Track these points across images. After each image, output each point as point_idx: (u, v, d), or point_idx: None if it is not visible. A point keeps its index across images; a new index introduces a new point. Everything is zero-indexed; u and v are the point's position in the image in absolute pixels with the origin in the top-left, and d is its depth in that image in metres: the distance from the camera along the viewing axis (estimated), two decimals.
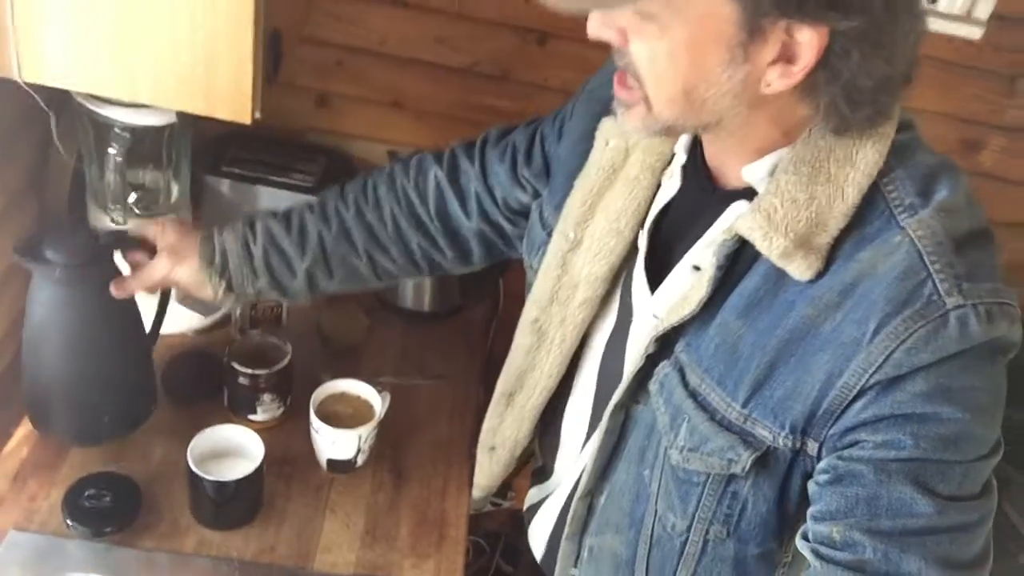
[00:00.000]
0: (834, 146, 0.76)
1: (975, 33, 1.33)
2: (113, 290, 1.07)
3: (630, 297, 0.95)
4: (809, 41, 0.69)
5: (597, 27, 0.73)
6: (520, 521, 1.19)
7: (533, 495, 1.17)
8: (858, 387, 0.73)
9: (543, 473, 1.16)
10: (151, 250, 1.10)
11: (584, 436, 1.05)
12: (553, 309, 1.00)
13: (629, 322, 0.95)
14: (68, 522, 1.09)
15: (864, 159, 0.76)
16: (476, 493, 1.24)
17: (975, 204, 0.78)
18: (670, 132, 0.80)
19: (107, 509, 1.11)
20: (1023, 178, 1.65)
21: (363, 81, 1.56)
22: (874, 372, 0.72)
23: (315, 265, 1.10)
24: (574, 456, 1.07)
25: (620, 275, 0.96)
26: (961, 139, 1.61)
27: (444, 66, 1.54)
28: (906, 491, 0.73)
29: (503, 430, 1.12)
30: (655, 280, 0.91)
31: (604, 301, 0.98)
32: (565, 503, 1.07)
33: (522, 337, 1.05)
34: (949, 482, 0.73)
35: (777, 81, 0.71)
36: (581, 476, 0.99)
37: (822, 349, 0.75)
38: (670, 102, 0.75)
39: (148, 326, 1.20)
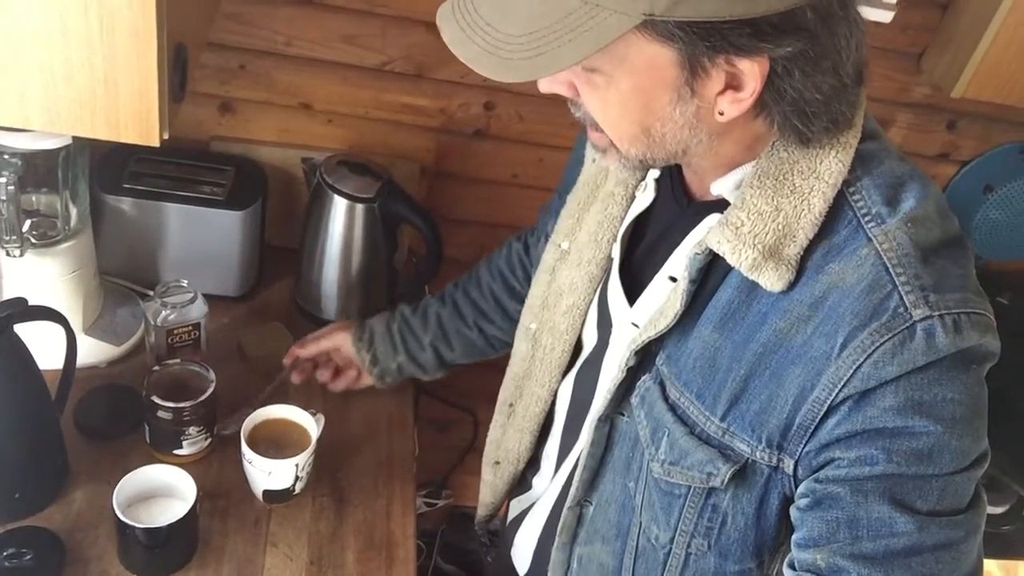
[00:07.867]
0: (797, 158, 0.76)
1: (886, 17, 1.35)
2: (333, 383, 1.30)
3: (608, 308, 0.97)
4: (750, 69, 0.69)
5: (547, 84, 0.74)
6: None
7: (514, 507, 1.19)
8: (829, 402, 0.73)
9: (522, 484, 1.17)
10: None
11: (558, 447, 1.07)
12: (544, 315, 1.05)
13: (609, 333, 0.97)
14: None
15: (828, 170, 0.75)
16: (481, 511, 1.26)
17: (947, 213, 0.77)
18: (645, 166, 0.82)
19: (28, 567, 1.02)
20: (931, 152, 1.69)
21: (269, 85, 1.48)
22: (843, 387, 0.72)
23: (436, 339, 1.27)
24: (551, 467, 1.09)
25: (600, 286, 0.99)
26: None
27: (355, 66, 1.47)
28: (884, 510, 0.72)
29: (506, 442, 1.15)
30: (635, 291, 0.92)
31: (590, 315, 1.00)
32: (551, 513, 1.08)
33: (519, 343, 1.11)
34: (927, 497, 0.72)
35: (729, 108, 0.72)
36: (570, 486, 0.99)
37: (794, 363, 0.75)
38: (633, 141, 0.77)
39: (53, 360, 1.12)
